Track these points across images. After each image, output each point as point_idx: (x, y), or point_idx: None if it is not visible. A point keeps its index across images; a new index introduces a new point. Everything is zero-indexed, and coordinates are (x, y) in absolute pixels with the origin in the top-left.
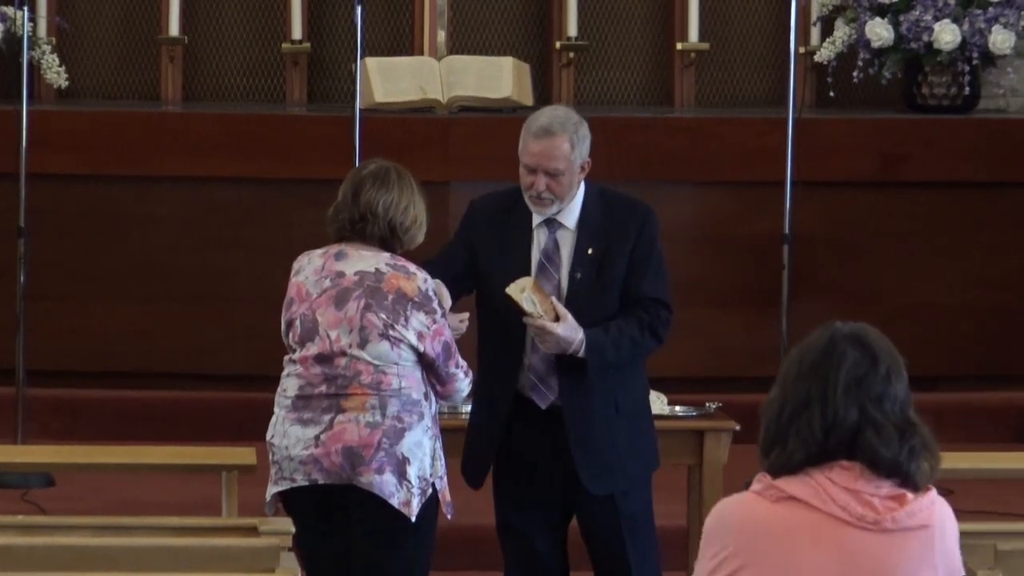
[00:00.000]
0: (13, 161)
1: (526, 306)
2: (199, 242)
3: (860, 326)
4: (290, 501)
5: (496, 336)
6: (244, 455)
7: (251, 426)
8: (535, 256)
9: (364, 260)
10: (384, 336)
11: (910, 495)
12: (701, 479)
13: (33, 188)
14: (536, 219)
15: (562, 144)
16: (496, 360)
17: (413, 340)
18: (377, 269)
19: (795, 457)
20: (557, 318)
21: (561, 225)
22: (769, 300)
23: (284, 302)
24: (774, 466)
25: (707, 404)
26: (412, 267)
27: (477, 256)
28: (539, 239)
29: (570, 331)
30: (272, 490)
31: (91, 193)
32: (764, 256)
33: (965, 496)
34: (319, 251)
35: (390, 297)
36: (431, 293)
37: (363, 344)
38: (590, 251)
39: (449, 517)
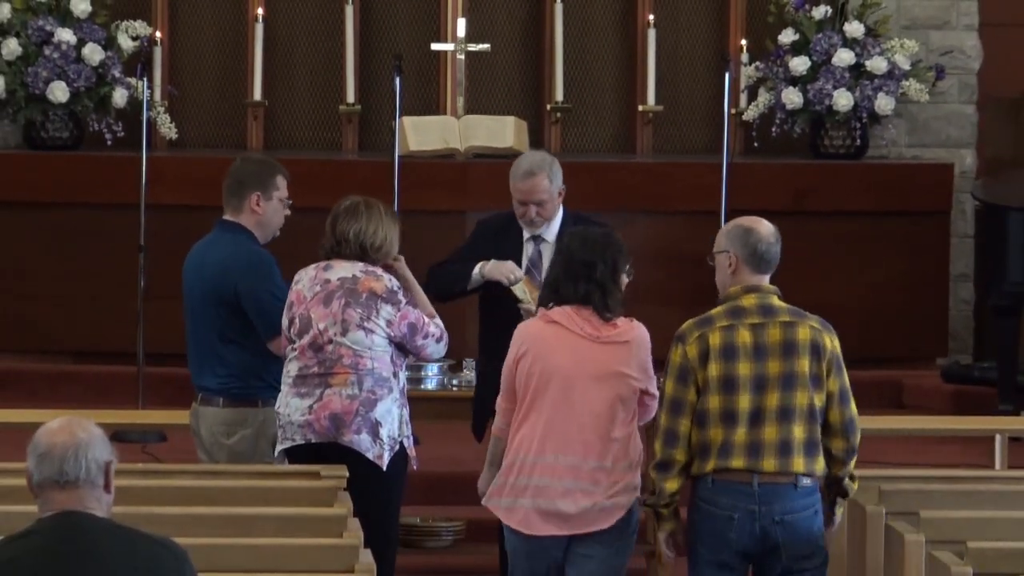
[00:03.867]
0: (135, 194)
1: (518, 294)
2: (274, 255)
3: (592, 230)
4: (292, 456)
5: (494, 321)
6: None
7: None
8: (524, 263)
9: (344, 269)
10: (360, 327)
11: (619, 322)
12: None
13: (150, 215)
14: (525, 235)
15: (542, 181)
16: (493, 341)
17: (384, 329)
18: (354, 275)
19: (559, 299)
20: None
21: (544, 240)
22: (706, 300)
23: (286, 305)
24: (547, 307)
25: (659, 378)
26: (379, 271)
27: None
28: (527, 250)
29: None
30: (279, 447)
31: (193, 219)
32: (703, 267)
33: None
34: (312, 266)
35: (364, 295)
36: (395, 288)
37: (344, 333)
38: None
39: (415, 467)
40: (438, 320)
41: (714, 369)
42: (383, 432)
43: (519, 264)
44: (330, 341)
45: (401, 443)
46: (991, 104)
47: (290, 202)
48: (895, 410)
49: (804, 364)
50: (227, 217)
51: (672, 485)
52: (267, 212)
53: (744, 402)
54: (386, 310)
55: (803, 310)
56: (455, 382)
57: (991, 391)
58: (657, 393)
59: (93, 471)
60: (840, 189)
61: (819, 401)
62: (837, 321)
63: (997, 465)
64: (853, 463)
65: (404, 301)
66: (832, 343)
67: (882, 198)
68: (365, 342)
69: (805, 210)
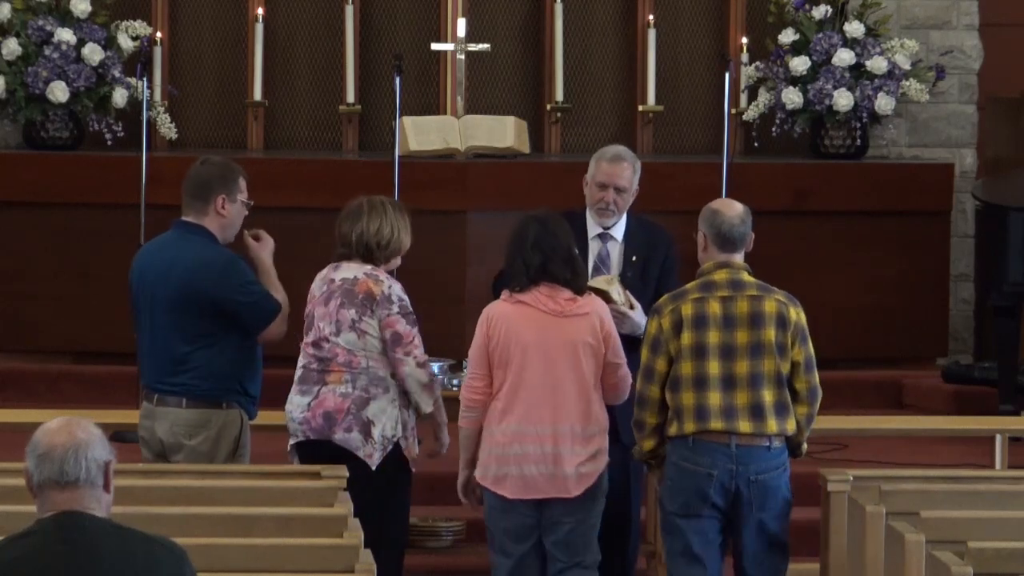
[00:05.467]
0: (135, 194)
1: (615, 296)
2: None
3: (544, 213)
4: (300, 451)
5: None
6: None
7: None
8: (591, 260)
9: (350, 270)
10: (352, 328)
11: (579, 298)
12: None
13: (150, 215)
14: (591, 232)
15: (627, 169)
16: None
17: (376, 330)
18: (355, 277)
19: (521, 284)
20: (631, 307)
21: (612, 238)
22: None
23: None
24: (513, 289)
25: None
26: (382, 276)
27: None
28: (594, 247)
29: (640, 317)
30: (290, 442)
31: None
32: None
33: (855, 449)
34: (328, 267)
35: (360, 297)
36: (392, 296)
37: (338, 333)
38: (634, 258)
39: (412, 470)
40: (428, 367)
41: (687, 338)
42: (375, 431)
43: (585, 262)
44: (327, 340)
45: (396, 443)
46: (991, 104)
47: (250, 203)
48: (895, 410)
49: (770, 334)
50: (189, 219)
51: (647, 444)
52: (232, 214)
53: (714, 368)
54: (379, 313)
55: (771, 285)
56: (455, 382)
57: (991, 391)
58: (621, 362)
59: (93, 471)
60: (840, 189)
61: (785, 368)
62: (838, 321)
63: (997, 465)
64: (809, 429)
65: (398, 309)
66: (798, 315)
67: (882, 198)
68: (358, 343)
69: (805, 210)
